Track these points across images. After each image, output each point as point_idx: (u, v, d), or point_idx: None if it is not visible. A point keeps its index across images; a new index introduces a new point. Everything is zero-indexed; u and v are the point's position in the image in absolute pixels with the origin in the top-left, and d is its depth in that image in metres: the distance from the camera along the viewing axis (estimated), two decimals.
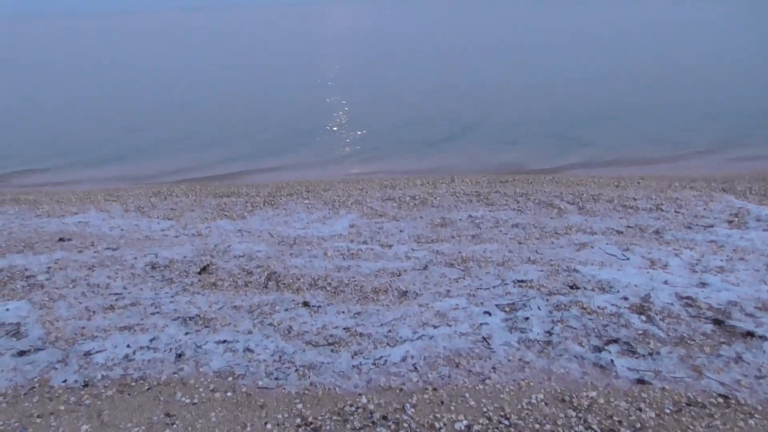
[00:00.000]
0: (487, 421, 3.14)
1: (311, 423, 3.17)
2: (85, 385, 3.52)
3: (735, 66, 20.87)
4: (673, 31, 37.24)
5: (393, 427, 3.12)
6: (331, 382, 3.51)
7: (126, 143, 13.13)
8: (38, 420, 3.24)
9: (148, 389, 3.48)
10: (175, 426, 3.17)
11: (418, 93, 17.95)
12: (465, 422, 3.13)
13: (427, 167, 10.17)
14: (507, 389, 3.39)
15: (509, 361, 3.65)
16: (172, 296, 4.61)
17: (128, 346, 3.88)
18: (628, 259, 5.04)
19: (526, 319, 4.09)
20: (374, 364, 3.66)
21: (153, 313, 4.32)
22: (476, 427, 3.10)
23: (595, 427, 3.06)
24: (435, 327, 4.04)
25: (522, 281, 4.71)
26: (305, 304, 4.43)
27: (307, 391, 3.43)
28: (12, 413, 3.29)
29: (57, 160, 11.84)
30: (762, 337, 3.73)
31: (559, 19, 55.57)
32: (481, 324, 4.06)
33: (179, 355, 3.78)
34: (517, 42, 33.75)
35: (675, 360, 3.58)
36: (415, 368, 3.60)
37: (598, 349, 3.71)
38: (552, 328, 3.95)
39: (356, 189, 8.13)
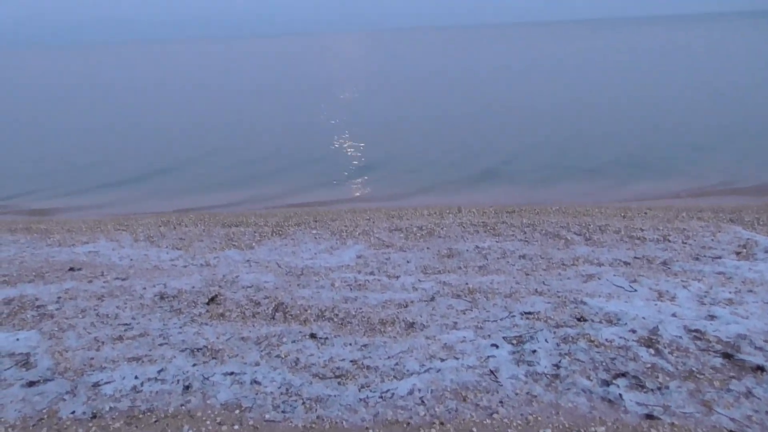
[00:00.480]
0: None
1: None
2: (93, 416, 3.53)
3: (741, 94, 20.97)
4: (682, 57, 37.61)
5: None
6: (338, 415, 3.50)
7: (136, 171, 13.29)
8: None
9: (155, 421, 3.48)
10: None
11: (424, 123, 18.14)
12: None
13: (434, 197, 10.24)
14: (514, 424, 3.37)
15: (516, 394, 3.64)
16: (181, 327, 4.63)
17: (136, 377, 3.89)
18: (635, 290, 5.03)
19: (534, 351, 4.08)
20: (381, 397, 3.65)
21: (161, 344, 4.34)
22: None
23: None
24: (442, 360, 4.03)
25: (529, 313, 4.70)
26: (312, 335, 4.44)
27: (314, 425, 3.42)
28: None
29: (68, 189, 12.01)
30: None
31: (563, 49, 56.23)
32: (489, 357, 4.05)
33: (187, 387, 3.79)
34: (522, 71, 34.13)
35: (684, 395, 3.56)
36: (423, 402, 3.59)
37: (607, 383, 3.69)
38: (560, 362, 3.94)
39: (363, 219, 8.18)
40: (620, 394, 3.56)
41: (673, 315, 4.50)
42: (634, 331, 4.28)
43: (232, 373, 3.93)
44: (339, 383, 3.81)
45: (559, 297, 4.98)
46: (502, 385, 3.73)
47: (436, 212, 8.57)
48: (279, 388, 3.77)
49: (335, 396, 3.67)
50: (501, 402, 3.57)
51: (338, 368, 3.98)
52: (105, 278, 5.77)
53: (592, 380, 3.72)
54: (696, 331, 4.25)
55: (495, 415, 3.45)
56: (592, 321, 4.49)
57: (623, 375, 3.76)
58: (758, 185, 10.04)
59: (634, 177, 10.98)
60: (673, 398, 3.52)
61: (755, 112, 17.44)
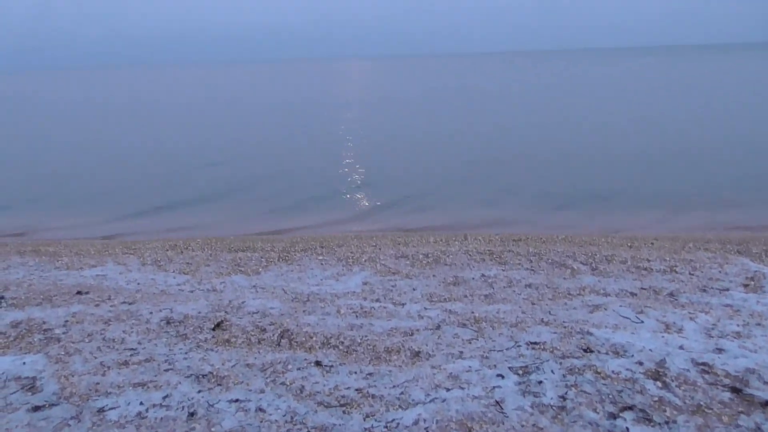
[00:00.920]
0: None
1: None
2: None
3: (751, 124, 21.03)
4: (695, 87, 37.82)
5: None
6: None
7: (144, 195, 13.42)
8: None
9: None
10: None
11: (430, 149, 18.26)
12: None
13: (440, 224, 10.27)
14: None
15: (522, 426, 3.61)
16: (186, 352, 4.64)
17: (141, 403, 3.89)
18: (642, 322, 5.01)
19: (540, 382, 4.05)
20: (386, 427, 3.63)
21: (167, 370, 4.34)
22: None
23: None
24: (448, 390, 4.01)
25: (535, 343, 4.68)
26: (318, 363, 4.44)
27: None
28: None
29: (77, 211, 12.11)
30: None
31: (568, 75, 56.71)
32: (494, 387, 4.03)
33: (191, 414, 3.78)
34: (528, 97, 34.38)
35: (692, 429, 3.52)
36: None
37: (613, 416, 3.66)
38: (566, 393, 3.91)
39: (370, 245, 8.20)
40: (627, 428, 3.53)
41: (681, 347, 4.47)
42: (641, 363, 4.25)
43: (237, 401, 3.92)
44: (344, 412, 3.79)
45: (565, 327, 4.96)
46: (507, 417, 3.70)
47: (442, 239, 8.60)
48: (284, 416, 3.76)
49: (340, 425, 3.66)
50: None
51: (343, 397, 3.97)
52: (112, 302, 5.80)
53: (598, 413, 3.69)
54: (704, 364, 4.22)
55: None
56: (599, 352, 4.47)
57: (630, 408, 3.73)
58: (766, 217, 10.02)
59: (639, 206, 10.99)
60: None
61: (763, 143, 17.48)
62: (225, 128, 26.10)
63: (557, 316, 5.24)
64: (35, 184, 15.27)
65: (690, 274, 6.36)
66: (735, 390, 3.89)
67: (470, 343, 4.76)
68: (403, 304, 5.69)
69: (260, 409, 3.83)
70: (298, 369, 4.34)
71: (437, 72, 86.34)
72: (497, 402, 3.85)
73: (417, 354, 4.56)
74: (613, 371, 4.14)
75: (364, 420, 3.70)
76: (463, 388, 4.02)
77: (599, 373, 4.12)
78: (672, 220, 10.03)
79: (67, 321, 5.28)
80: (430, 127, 23.86)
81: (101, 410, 3.83)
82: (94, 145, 22.06)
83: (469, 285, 6.27)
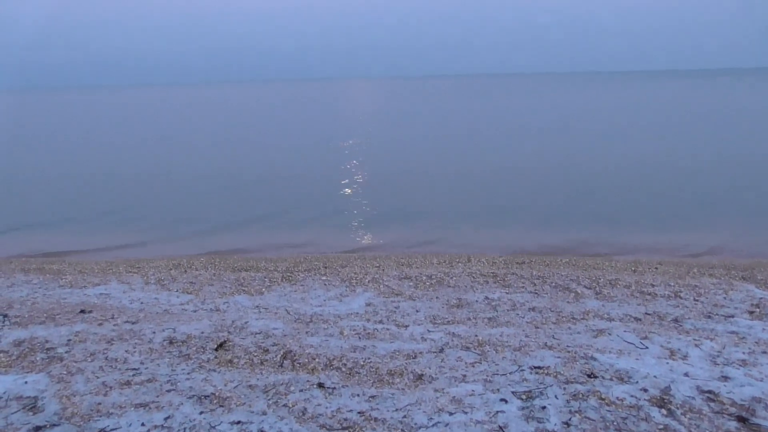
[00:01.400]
0: None
1: None
2: None
3: (753, 149, 21.06)
4: (704, 112, 37.95)
5: None
6: None
7: (148, 214, 13.48)
8: None
9: None
10: None
11: (435, 171, 18.32)
12: None
13: (444, 245, 10.27)
14: None
15: None
16: (189, 373, 4.62)
17: (143, 424, 3.87)
18: (646, 348, 4.98)
19: (543, 408, 4.02)
20: None
21: (169, 390, 4.32)
22: None
23: None
24: (450, 414, 3.98)
25: (539, 368, 4.65)
26: (320, 385, 4.41)
27: None
28: None
29: (81, 230, 12.17)
30: None
31: (574, 101, 57.02)
32: (497, 412, 4.00)
33: None
34: (531, 124, 34.54)
35: None
36: None
37: None
38: (570, 419, 3.88)
39: (373, 266, 8.21)
40: None
41: (686, 374, 4.44)
42: (645, 390, 4.21)
43: (239, 422, 3.90)
44: None
45: (569, 352, 4.93)
46: None
47: (446, 261, 8.60)
48: None
49: None
50: None
51: (346, 419, 3.94)
52: (115, 321, 5.80)
53: None
54: (709, 392, 4.18)
55: None
56: (603, 378, 4.44)
57: None
58: None
59: (644, 229, 10.99)
60: None
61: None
62: (230, 147, 26.26)
63: (561, 341, 5.21)
64: (39, 202, 15.37)
65: (695, 299, 6.34)
66: (741, 419, 3.85)
67: (473, 366, 4.73)
68: (407, 326, 5.67)
69: None
70: (301, 391, 4.32)
71: (443, 93, 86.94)
72: (500, 427, 3.82)
73: (420, 377, 4.54)
74: (617, 398, 4.11)
75: None
76: (466, 413, 3.99)
77: (603, 400, 4.09)
78: (677, 244, 10.01)
79: (70, 340, 5.27)
80: (435, 148, 23.96)
81: (102, 431, 3.81)
82: (101, 164, 22.20)
83: (472, 307, 6.26)
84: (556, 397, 4.16)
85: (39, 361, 4.84)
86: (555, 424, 3.83)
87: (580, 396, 4.15)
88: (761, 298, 6.32)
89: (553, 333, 5.42)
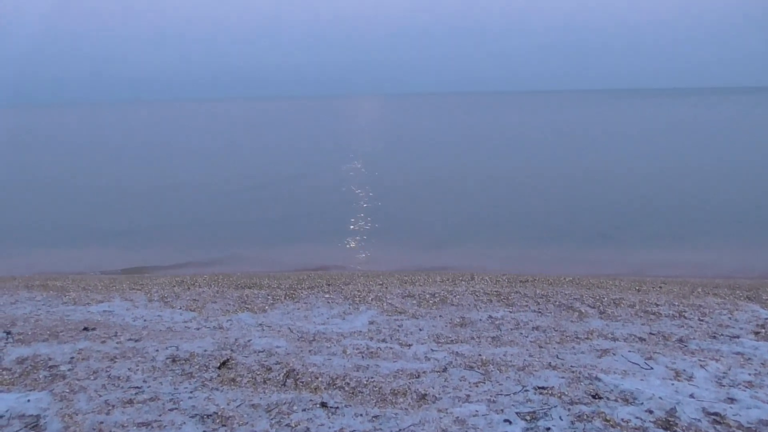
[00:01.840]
0: None
1: None
2: None
3: (759, 167, 21.07)
4: (708, 130, 38.01)
5: None
6: None
7: (152, 230, 13.51)
8: None
9: None
10: None
11: (439, 188, 18.37)
12: None
13: (447, 263, 10.26)
14: None
15: None
16: (191, 391, 4.61)
17: None
18: (651, 368, 4.94)
19: (548, 429, 3.99)
20: None
21: (171, 409, 4.30)
22: None
23: None
24: None
25: (543, 388, 4.62)
26: (323, 404, 4.39)
27: None
28: None
29: (85, 245, 12.20)
30: None
31: (579, 117, 57.22)
32: None
33: None
34: (534, 141, 34.65)
35: None
36: None
37: None
38: None
39: (376, 284, 8.20)
40: None
41: (691, 396, 4.40)
42: (651, 412, 4.18)
43: None
44: None
45: (573, 372, 4.90)
46: None
47: (449, 279, 8.58)
48: None
49: None
50: None
51: None
52: (118, 339, 5.79)
53: None
54: (715, 414, 4.15)
55: None
56: (608, 399, 4.40)
57: None
58: None
59: (648, 247, 10.97)
60: None
61: None
62: (234, 163, 26.37)
63: (565, 360, 5.19)
64: (43, 218, 15.44)
65: (699, 319, 6.31)
66: None
67: (477, 386, 4.71)
68: (410, 345, 5.65)
69: None
70: (304, 410, 4.30)
71: (446, 110, 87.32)
72: None
73: (423, 397, 4.51)
74: (622, 419, 4.08)
75: None
76: None
77: (608, 421, 4.06)
78: (681, 262, 9.98)
79: (73, 358, 5.27)
80: (439, 165, 24.03)
81: None
82: (105, 180, 22.32)
83: (476, 326, 6.23)
84: (560, 418, 4.13)
85: (41, 379, 4.83)
86: None
87: (585, 417, 4.12)
88: (767, 318, 6.29)
89: (557, 353, 5.40)
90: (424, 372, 4.97)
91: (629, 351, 5.35)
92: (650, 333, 5.92)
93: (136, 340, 5.76)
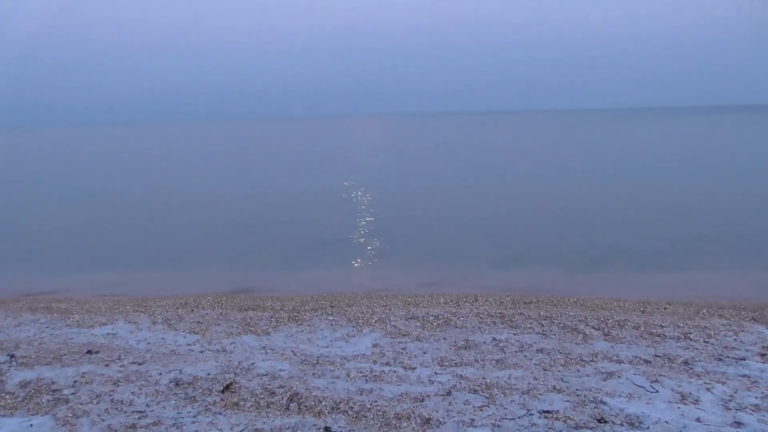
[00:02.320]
0: None
1: None
2: None
3: (761, 187, 21.06)
4: (711, 150, 38.06)
5: None
6: None
7: (155, 251, 13.54)
8: None
9: None
10: None
11: (442, 209, 18.40)
12: None
13: (451, 284, 10.24)
14: None
15: None
16: (194, 416, 4.59)
17: None
18: (657, 391, 4.91)
19: None
20: None
21: None
22: None
23: None
24: None
25: (548, 412, 4.59)
26: (327, 429, 4.37)
27: None
28: None
29: (89, 267, 12.23)
30: None
31: (582, 140, 57.40)
32: None
33: None
34: (538, 161, 34.75)
35: None
36: None
37: None
38: None
39: (380, 306, 8.18)
40: None
41: (698, 420, 4.37)
42: None
43: None
44: None
45: (578, 395, 4.87)
46: None
47: (453, 300, 8.56)
48: None
49: None
50: None
51: None
52: (122, 362, 5.79)
53: None
54: None
55: None
56: (613, 423, 4.37)
57: None
58: None
59: (652, 268, 10.94)
60: None
61: None
62: (238, 183, 26.49)
63: (570, 384, 5.16)
64: (47, 240, 15.50)
65: (705, 341, 6.27)
66: None
67: (481, 410, 4.68)
68: (414, 369, 5.63)
69: None
70: None
71: (449, 130, 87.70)
72: None
73: (427, 421, 4.49)
74: None
75: None
76: None
77: None
78: (685, 283, 9.95)
79: (76, 381, 5.26)
80: (443, 186, 24.11)
81: None
82: (108, 202, 22.42)
83: (480, 349, 6.21)
84: None
85: (45, 403, 4.83)
86: None
87: None
88: None
89: (561, 375, 5.37)
90: (428, 395, 4.95)
91: (634, 374, 5.32)
92: (655, 355, 5.89)
93: (140, 364, 5.75)
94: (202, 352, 6.22)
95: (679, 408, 4.57)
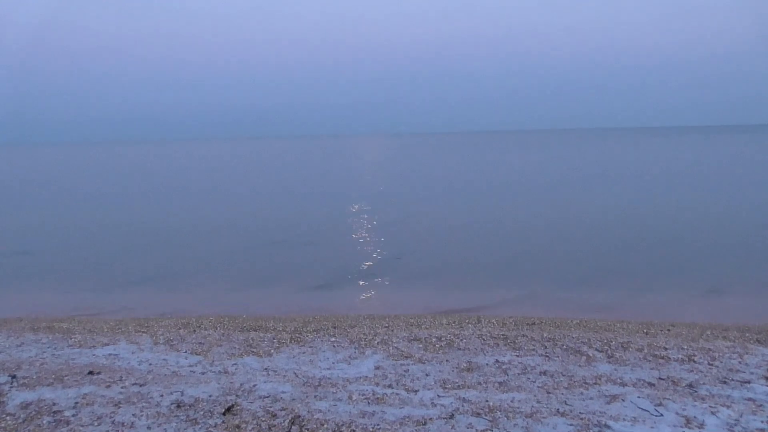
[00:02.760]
0: None
1: None
2: None
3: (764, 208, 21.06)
4: (711, 168, 38.10)
5: None
6: None
7: (157, 271, 13.55)
8: None
9: None
10: None
11: (444, 230, 18.39)
12: None
13: (453, 305, 10.21)
14: None
15: None
16: None
17: None
18: (661, 415, 4.87)
19: None
20: None
21: None
22: None
23: None
24: None
25: None
26: None
27: None
28: None
29: (91, 287, 12.23)
30: None
31: (584, 156, 57.54)
32: None
33: None
34: (538, 180, 34.81)
35: None
36: None
37: None
38: None
39: (382, 327, 8.16)
40: None
41: None
42: None
43: None
44: None
45: (582, 419, 4.84)
46: None
47: (455, 321, 8.53)
48: None
49: None
50: None
51: None
52: (123, 383, 5.76)
53: None
54: None
55: None
56: None
57: None
58: None
59: (655, 289, 10.90)
60: None
61: None
62: (239, 205, 26.56)
63: (573, 407, 5.12)
64: (49, 259, 15.53)
65: (709, 364, 6.23)
66: None
67: None
68: (416, 391, 5.60)
69: None
70: None
71: (451, 151, 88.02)
72: None
73: None
74: None
75: None
76: None
77: None
78: (689, 304, 9.91)
79: (77, 402, 5.24)
80: (445, 206, 24.14)
81: None
82: (110, 221, 22.48)
83: (482, 371, 6.18)
84: None
85: (45, 425, 4.80)
86: None
87: None
88: None
89: (565, 398, 5.33)
90: (430, 419, 4.92)
91: (638, 397, 5.28)
92: (659, 378, 5.85)
93: (141, 385, 5.73)
94: (203, 373, 6.19)
95: None
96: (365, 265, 13.62)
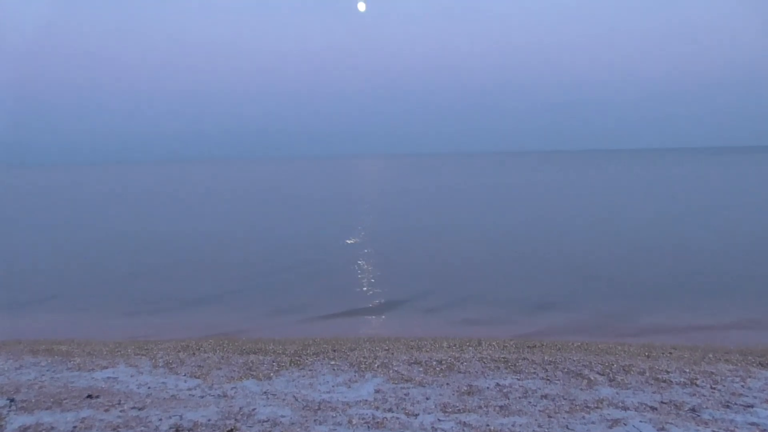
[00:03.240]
0: None
1: None
2: None
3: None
4: (715, 190, 38.18)
5: None
6: None
7: (156, 291, 13.52)
8: None
9: None
10: None
11: (444, 252, 18.38)
12: None
13: (454, 328, 10.17)
14: None
15: None
16: None
17: None
18: None
19: None
20: None
21: None
22: None
23: None
24: None
25: None
26: None
27: None
28: None
29: (91, 308, 12.20)
30: None
31: (584, 178, 57.68)
32: None
33: None
34: (539, 201, 34.86)
35: None
36: None
37: None
38: None
39: (382, 350, 8.12)
40: None
41: None
42: None
43: None
44: None
45: None
46: None
47: (456, 344, 8.49)
48: None
49: None
50: None
51: None
52: (122, 407, 5.73)
53: None
54: None
55: None
56: None
57: None
58: None
59: (657, 311, 10.86)
60: None
61: None
62: (239, 227, 26.59)
63: (575, 431, 5.08)
64: (47, 284, 15.52)
65: (711, 387, 6.19)
66: None
67: None
68: (416, 415, 5.56)
69: None
70: None
71: (450, 171, 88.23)
72: None
73: None
74: None
75: None
76: None
77: None
78: (691, 326, 9.86)
79: (75, 427, 5.21)
80: (444, 228, 24.15)
81: None
82: (109, 244, 22.50)
83: (483, 395, 6.14)
84: None
85: None
86: None
87: None
88: None
89: (566, 423, 5.29)
90: None
91: (641, 421, 5.25)
92: (661, 402, 5.80)
93: (140, 409, 5.69)
94: (203, 397, 6.16)
95: None
96: (364, 287, 13.59)
